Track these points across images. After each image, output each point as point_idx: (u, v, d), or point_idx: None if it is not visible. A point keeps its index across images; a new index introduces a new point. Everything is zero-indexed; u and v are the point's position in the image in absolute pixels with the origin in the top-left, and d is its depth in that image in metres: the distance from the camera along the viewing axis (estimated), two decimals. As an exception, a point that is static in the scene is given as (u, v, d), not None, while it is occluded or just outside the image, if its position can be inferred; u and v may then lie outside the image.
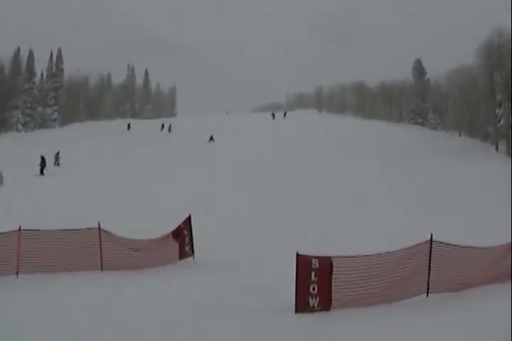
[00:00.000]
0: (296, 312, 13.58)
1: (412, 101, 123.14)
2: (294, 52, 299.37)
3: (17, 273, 18.10)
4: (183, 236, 20.88)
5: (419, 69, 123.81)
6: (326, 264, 13.72)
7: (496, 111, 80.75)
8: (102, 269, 18.96)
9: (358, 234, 25.00)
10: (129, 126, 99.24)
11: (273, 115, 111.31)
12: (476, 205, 33.13)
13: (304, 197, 35.85)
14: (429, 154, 62.11)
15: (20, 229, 18.15)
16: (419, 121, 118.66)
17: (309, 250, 14.12)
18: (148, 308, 14.56)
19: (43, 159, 50.83)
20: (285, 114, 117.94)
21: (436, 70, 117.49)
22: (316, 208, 32.35)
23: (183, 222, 20.99)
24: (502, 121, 78.30)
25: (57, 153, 56.65)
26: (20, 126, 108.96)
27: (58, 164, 55.49)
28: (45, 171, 49.92)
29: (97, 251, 18.98)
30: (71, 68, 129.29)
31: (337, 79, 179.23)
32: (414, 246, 14.58)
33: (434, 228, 15.44)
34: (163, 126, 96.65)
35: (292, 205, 32.99)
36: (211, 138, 73.46)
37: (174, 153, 61.59)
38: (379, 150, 63.45)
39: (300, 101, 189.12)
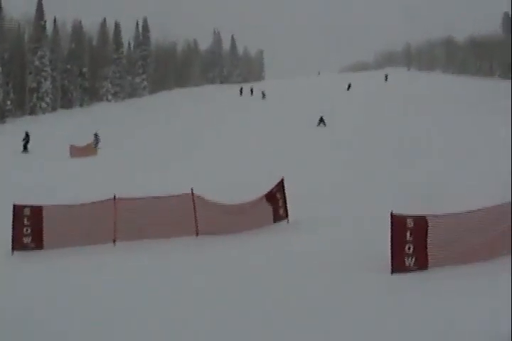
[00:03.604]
0: (392, 272, 13.46)
1: (502, 56, 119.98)
2: (378, 12, 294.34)
3: (114, 241, 18.43)
4: (276, 200, 20.78)
5: (507, 22, 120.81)
6: (422, 223, 13.58)
7: None
8: (197, 234, 19.06)
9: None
10: (241, 90, 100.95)
11: (386, 77, 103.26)
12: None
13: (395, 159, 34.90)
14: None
15: (115, 198, 18.43)
16: (510, 75, 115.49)
17: (403, 210, 13.97)
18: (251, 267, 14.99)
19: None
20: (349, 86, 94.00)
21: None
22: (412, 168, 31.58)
23: (276, 186, 20.85)
24: None
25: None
26: (110, 96, 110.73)
27: None
28: None
29: (191, 216, 19.08)
30: (157, 36, 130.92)
31: (425, 35, 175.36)
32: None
33: None
34: (241, 90, 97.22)
35: (384, 167, 32.25)
36: (321, 120, 56.40)
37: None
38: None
39: (388, 59, 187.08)
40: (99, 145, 51.02)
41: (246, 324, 10.92)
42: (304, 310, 11.36)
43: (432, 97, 73.46)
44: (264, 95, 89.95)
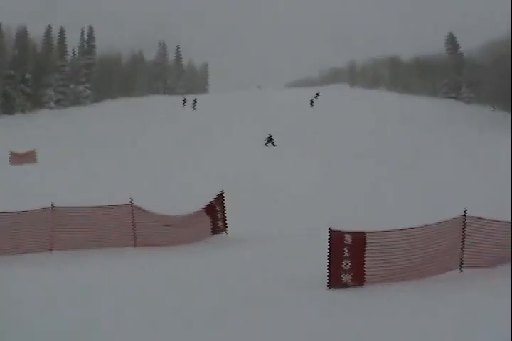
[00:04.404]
0: (329, 288, 13.46)
1: (445, 75, 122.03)
2: (326, 28, 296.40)
3: (51, 250, 18.27)
4: (215, 212, 20.92)
5: (452, 43, 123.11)
6: (359, 239, 13.61)
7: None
8: (135, 246, 19.04)
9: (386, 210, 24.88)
10: (184, 101, 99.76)
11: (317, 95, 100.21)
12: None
13: (337, 179, 35.20)
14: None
15: (52, 206, 18.31)
16: (453, 95, 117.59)
17: (341, 226, 13.89)
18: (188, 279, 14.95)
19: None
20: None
21: (470, 43, 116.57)
22: (349, 188, 31.97)
23: (216, 198, 21.03)
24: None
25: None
26: (52, 104, 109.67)
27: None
28: None
29: (130, 227, 19.07)
30: (103, 45, 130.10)
31: (370, 53, 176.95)
32: (449, 220, 14.44)
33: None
34: (184, 101, 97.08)
35: (325, 187, 32.56)
36: (269, 139, 53.71)
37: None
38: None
39: (333, 76, 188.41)
40: None
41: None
42: (231, 325, 11.31)
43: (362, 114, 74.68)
44: (194, 107, 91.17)
